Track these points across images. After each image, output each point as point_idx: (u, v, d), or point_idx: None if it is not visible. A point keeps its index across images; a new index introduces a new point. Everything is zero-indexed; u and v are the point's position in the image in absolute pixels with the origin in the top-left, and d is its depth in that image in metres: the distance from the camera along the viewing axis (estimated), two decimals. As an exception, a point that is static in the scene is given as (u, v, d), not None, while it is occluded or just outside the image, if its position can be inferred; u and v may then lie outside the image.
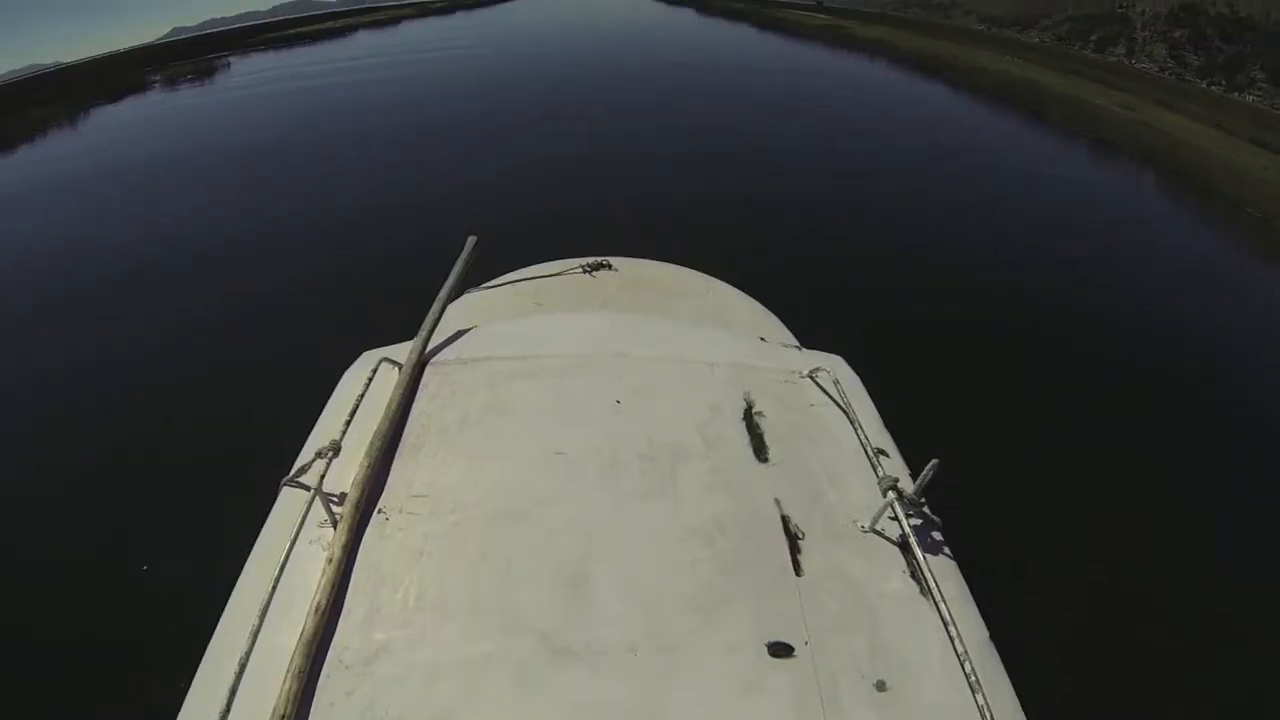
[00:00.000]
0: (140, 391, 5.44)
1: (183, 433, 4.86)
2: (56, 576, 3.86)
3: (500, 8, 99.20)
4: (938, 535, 1.45)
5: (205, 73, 30.70)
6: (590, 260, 2.91)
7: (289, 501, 1.45)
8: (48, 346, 6.39)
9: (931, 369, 5.51)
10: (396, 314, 2.47)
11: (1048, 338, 6.58)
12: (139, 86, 28.46)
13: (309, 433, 1.66)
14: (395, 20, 63.34)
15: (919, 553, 1.34)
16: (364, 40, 42.50)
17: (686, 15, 69.77)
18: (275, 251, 8.16)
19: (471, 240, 2.40)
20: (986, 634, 1.32)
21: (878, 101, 20.45)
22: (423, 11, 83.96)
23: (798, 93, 20.39)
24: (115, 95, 27.34)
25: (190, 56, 50.44)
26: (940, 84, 24.62)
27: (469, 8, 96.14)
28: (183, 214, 9.81)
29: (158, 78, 29.67)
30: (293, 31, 57.19)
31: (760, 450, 1.57)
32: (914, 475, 1.49)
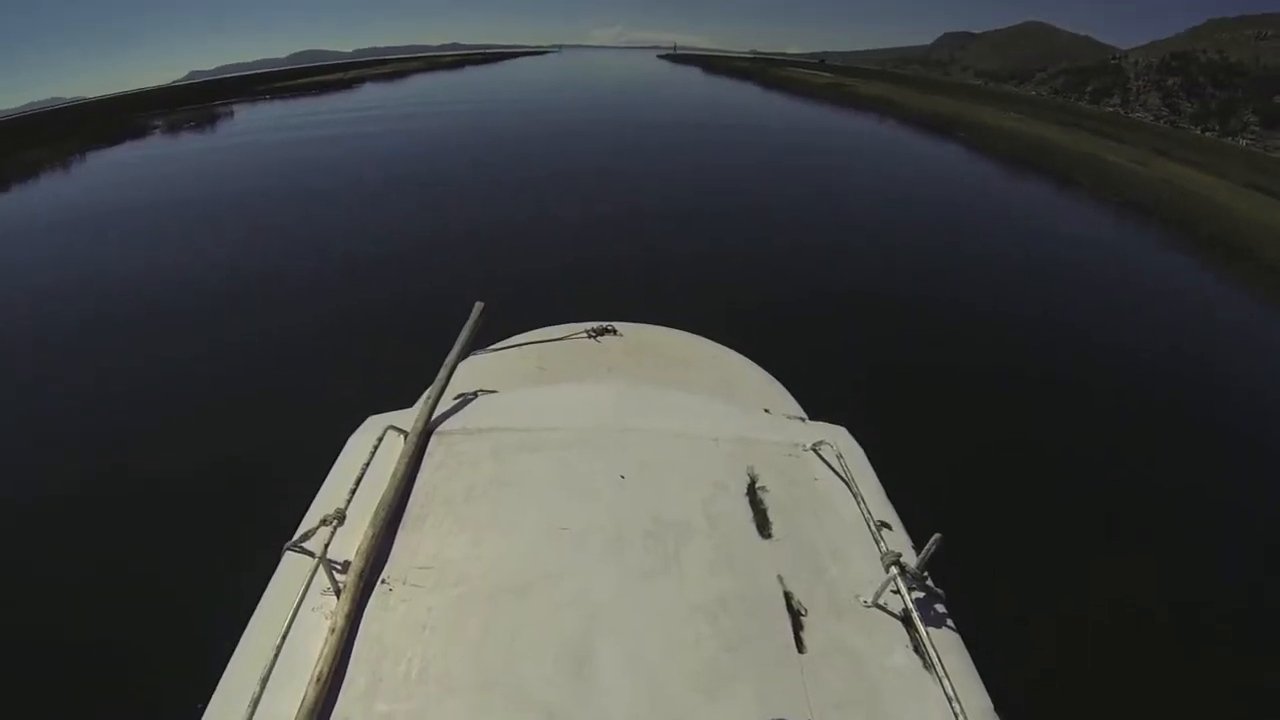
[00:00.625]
0: (141, 446, 5.29)
1: (184, 490, 4.75)
2: (50, 636, 3.77)
3: (508, 64, 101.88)
4: (941, 608, 1.45)
5: (214, 119, 31.00)
6: (595, 325, 2.89)
7: (292, 567, 1.44)
8: (45, 396, 6.20)
9: (937, 432, 5.41)
10: (401, 375, 2.47)
11: (1057, 399, 6.43)
12: (151, 129, 28.89)
13: (313, 496, 1.65)
14: (404, 74, 64.64)
15: (922, 627, 1.34)
16: (373, 93, 43.08)
17: (692, 74, 70.80)
18: (280, 307, 7.95)
19: (478, 306, 2.39)
20: (990, 705, 1.32)
21: (886, 161, 20.19)
22: (432, 65, 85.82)
23: (805, 152, 20.24)
24: (124, 135, 27.74)
25: (204, 100, 51.40)
26: (948, 143, 24.47)
27: (477, 63, 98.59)
28: (186, 263, 9.64)
29: (171, 120, 30.12)
30: (304, 81, 58.56)
31: (764, 526, 1.58)
32: (917, 547, 1.49)
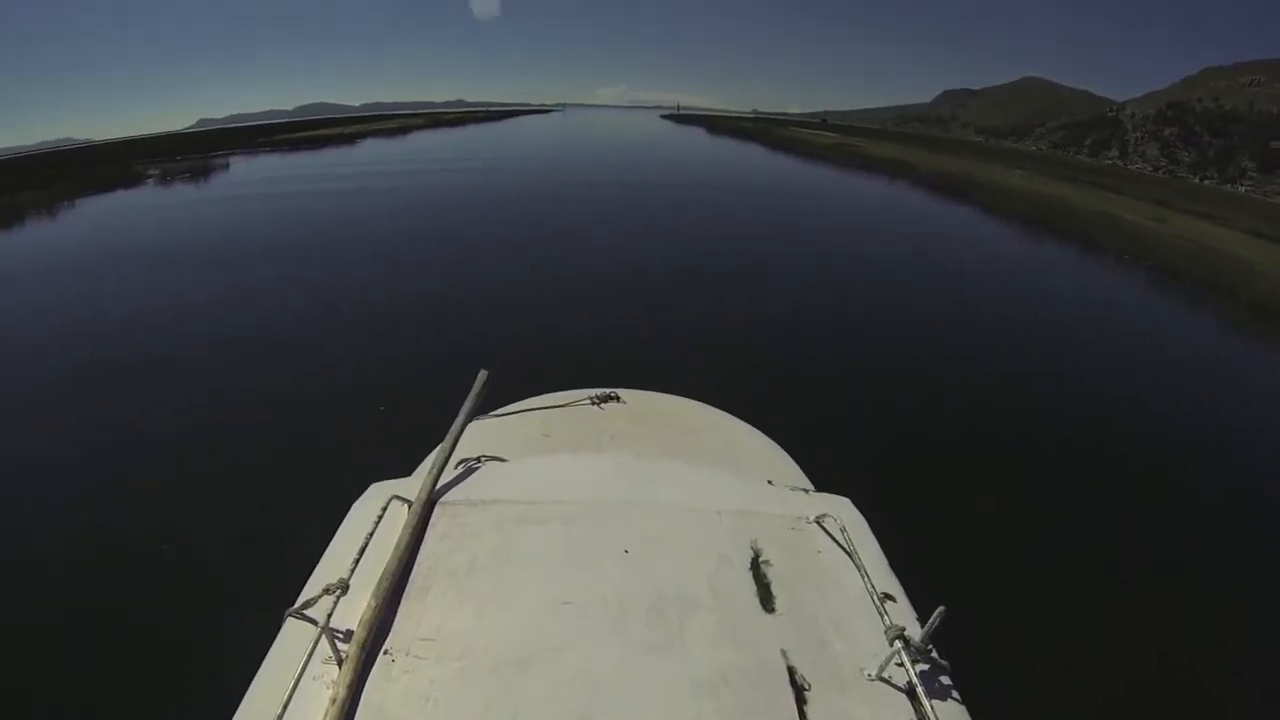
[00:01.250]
0: (141, 506, 5.21)
1: (184, 552, 4.66)
2: (45, 697, 3.72)
3: (511, 122, 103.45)
4: (946, 680, 1.44)
5: (209, 171, 31.23)
6: (598, 392, 2.89)
7: (293, 634, 1.43)
8: (40, 456, 6.02)
9: (942, 500, 5.32)
10: (404, 439, 2.52)
11: (1069, 471, 6.19)
12: (145, 178, 29.17)
13: (315, 563, 1.64)
14: (406, 130, 65.62)
15: (926, 701, 1.34)
16: (373, 149, 43.40)
17: (697, 134, 71.46)
18: (280, 369, 7.80)
19: (483, 375, 2.37)
20: None
21: (900, 225, 19.77)
22: (435, 121, 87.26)
23: (815, 214, 19.91)
24: (127, 181, 28.15)
25: (205, 149, 52.20)
26: (962, 205, 24.11)
27: (480, 120, 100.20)
28: (182, 322, 9.48)
29: (166, 170, 30.33)
30: (304, 134, 59.27)
31: (767, 600, 1.58)
32: (922, 619, 1.51)
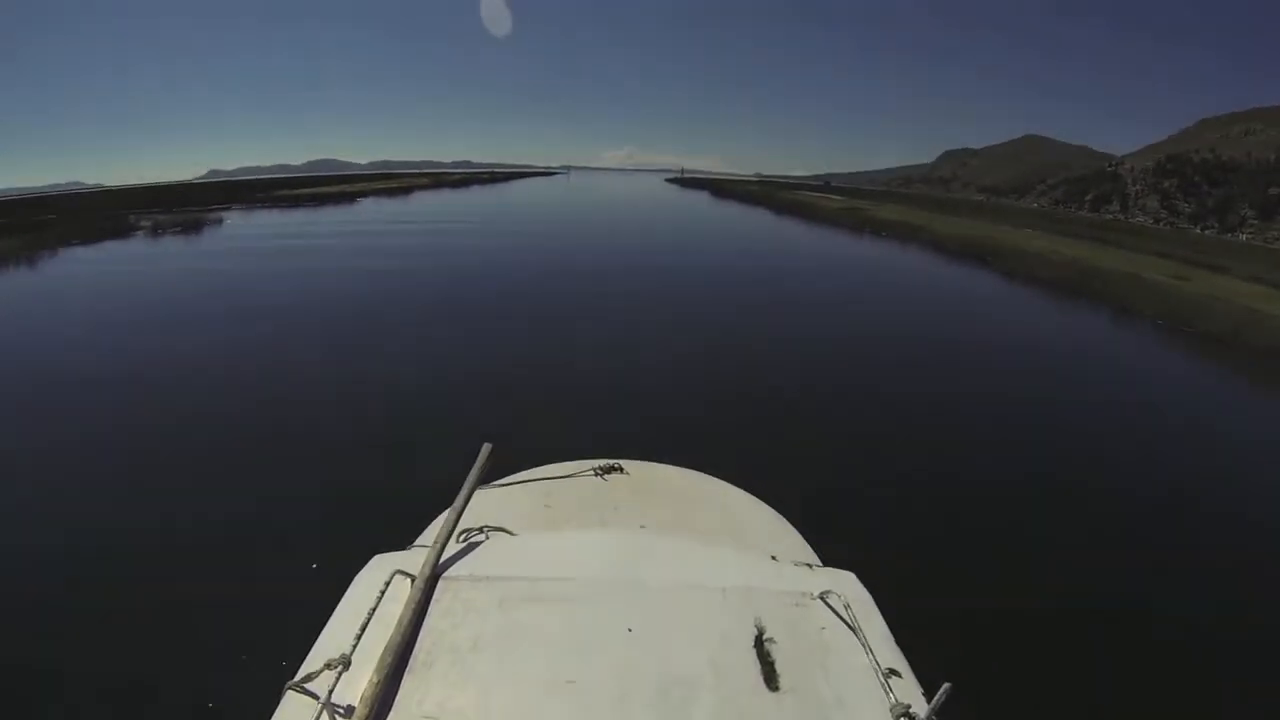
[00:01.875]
0: (138, 569, 5.12)
1: (183, 618, 4.54)
2: None
3: (516, 184, 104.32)
4: None
5: (212, 224, 31.00)
6: (602, 463, 2.83)
7: (293, 708, 1.43)
8: (28, 531, 5.73)
9: (947, 574, 5.25)
10: (407, 509, 2.53)
11: (1082, 551, 5.89)
12: (148, 227, 29.11)
13: (316, 635, 1.64)
14: (409, 189, 66.07)
15: None
16: (372, 209, 43.16)
17: (701, 198, 71.90)
18: (287, 433, 7.60)
19: (486, 448, 2.33)
20: None
21: (917, 293, 18.91)
22: (438, 182, 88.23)
23: (825, 280, 19.05)
24: (116, 232, 27.94)
25: (219, 201, 52.47)
26: (982, 270, 23.35)
27: (484, 182, 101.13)
28: (182, 381, 9.27)
29: (168, 220, 30.12)
30: (306, 191, 59.46)
31: (771, 679, 1.57)
32: (927, 695, 1.51)
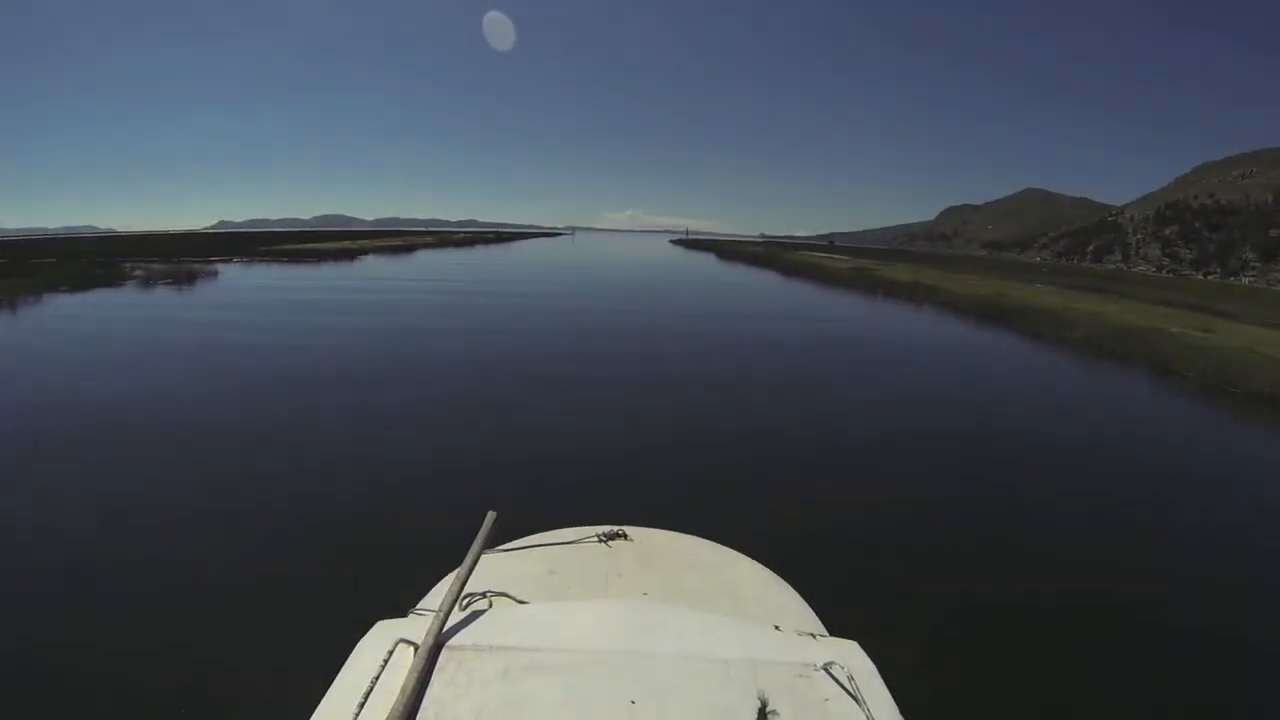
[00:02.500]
0: (120, 631, 4.80)
1: (177, 683, 4.28)
2: None
3: (520, 244, 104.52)
4: None
5: (207, 275, 30.67)
6: (606, 529, 2.85)
7: None
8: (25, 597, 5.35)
9: (955, 644, 4.92)
10: (410, 575, 2.58)
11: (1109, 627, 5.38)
12: (140, 276, 28.79)
13: (317, 702, 1.64)
14: (412, 248, 66.28)
15: None
16: (375, 267, 43.03)
17: (708, 260, 72.03)
18: (288, 491, 7.28)
19: (491, 516, 2.37)
20: None
21: (937, 356, 18.09)
22: (443, 241, 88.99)
23: (844, 347, 18.17)
24: (107, 280, 27.79)
25: (219, 253, 52.00)
26: (1003, 330, 22.62)
27: (488, 242, 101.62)
28: (179, 434, 8.94)
29: (162, 270, 29.89)
30: (309, 246, 60.32)
31: None
32: None
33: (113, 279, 29.22)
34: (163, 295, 24.77)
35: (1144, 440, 10.94)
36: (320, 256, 48.16)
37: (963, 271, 58.03)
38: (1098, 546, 6.66)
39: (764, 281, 39.56)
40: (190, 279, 29.54)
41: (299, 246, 58.46)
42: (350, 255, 51.35)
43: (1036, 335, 20.60)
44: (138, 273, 31.04)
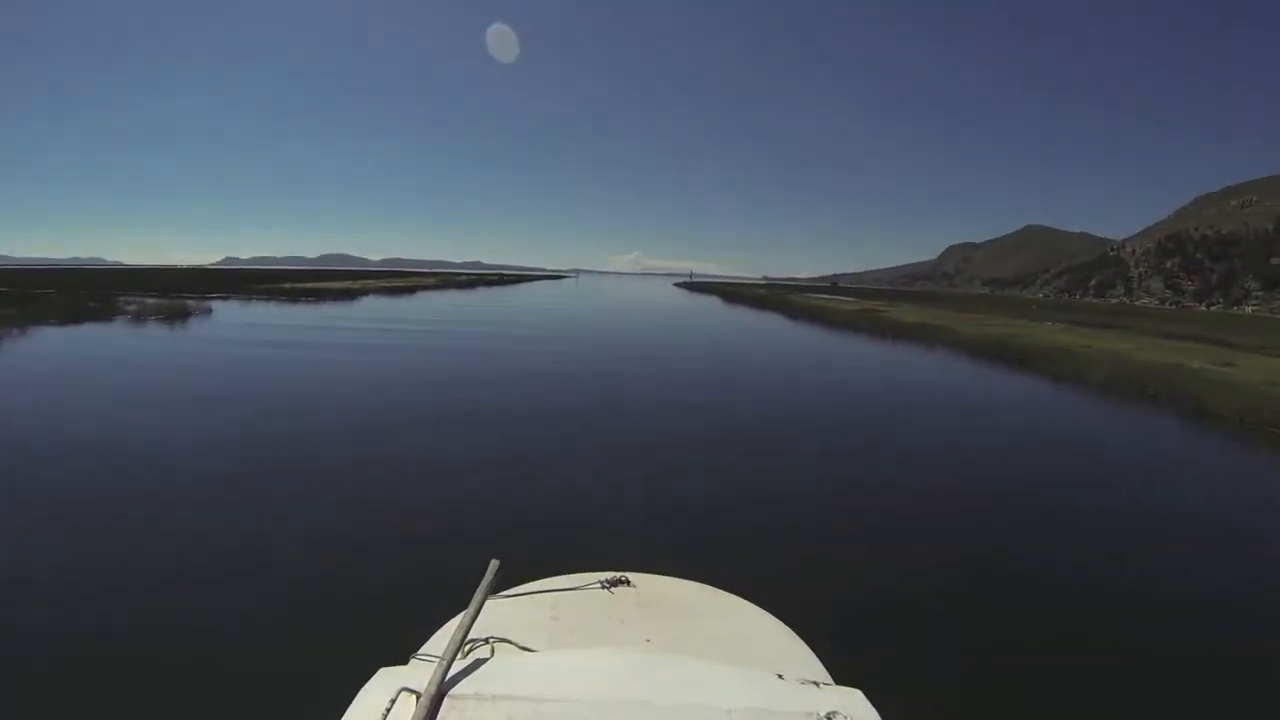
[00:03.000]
0: (116, 674, 4.60)
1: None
2: None
3: (524, 286, 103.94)
4: None
5: (201, 312, 30.35)
6: (609, 576, 2.81)
7: None
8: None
9: (963, 698, 4.66)
10: (413, 620, 2.60)
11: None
12: (134, 310, 28.61)
13: None
14: (413, 289, 66.01)
15: None
16: (374, 307, 42.70)
17: (713, 303, 71.84)
18: (288, 535, 7.04)
19: (494, 565, 2.35)
20: None
21: (957, 403, 17.46)
22: (445, 283, 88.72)
23: (857, 391, 17.61)
24: (99, 314, 27.69)
25: (229, 287, 52.26)
26: (1024, 373, 22.05)
27: (491, 284, 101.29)
28: (176, 476, 8.68)
29: (155, 305, 29.60)
30: (309, 285, 60.17)
31: None
32: None
33: (105, 313, 29.07)
34: (151, 332, 24.54)
35: (1209, 495, 10.04)
36: (319, 296, 47.98)
37: (967, 310, 57.73)
38: (1176, 614, 5.98)
39: (769, 325, 39.16)
40: (183, 315, 29.30)
41: (298, 285, 58.67)
42: (351, 295, 51.31)
43: (1058, 377, 20.02)
44: (131, 307, 30.95)
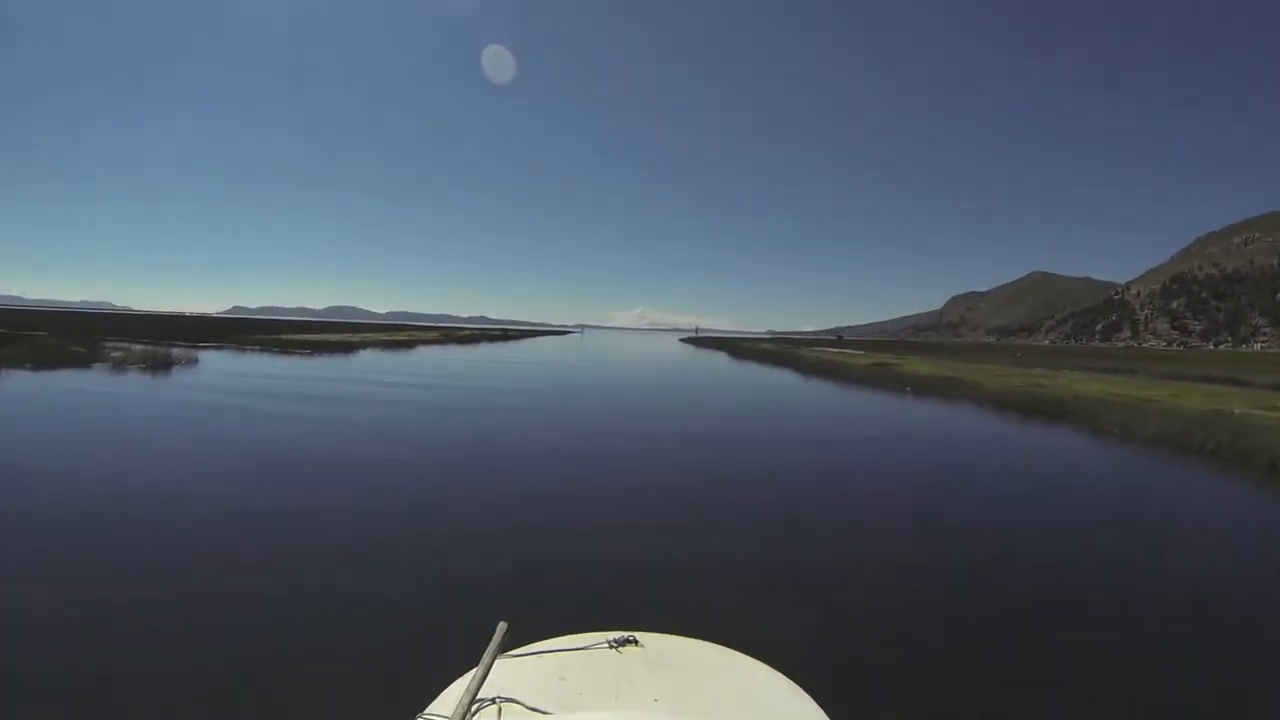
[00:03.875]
0: None
1: None
2: None
3: (526, 342, 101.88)
4: None
5: (186, 362, 29.48)
6: (616, 635, 2.76)
7: None
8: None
9: None
10: (421, 682, 2.54)
11: None
12: (119, 356, 28.16)
13: None
14: (412, 344, 65.16)
15: None
16: (369, 361, 41.81)
17: (720, 358, 70.75)
18: (290, 595, 6.47)
19: (502, 626, 2.41)
20: None
21: (1006, 466, 15.99)
22: (446, 338, 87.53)
23: (891, 453, 16.17)
24: (80, 359, 27.51)
25: (210, 339, 51.49)
26: (1060, 429, 20.96)
27: (493, 340, 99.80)
28: (179, 532, 8.20)
29: (140, 354, 28.92)
30: (311, 337, 59.71)
31: None
32: None
33: (86, 359, 28.37)
34: (127, 381, 23.76)
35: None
36: (314, 349, 47.32)
37: (975, 360, 56.66)
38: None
39: (783, 381, 37.96)
40: (166, 365, 28.43)
41: (298, 337, 58.68)
42: (347, 349, 50.78)
43: (1105, 432, 18.71)
44: (115, 354, 30.16)
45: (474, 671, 2.09)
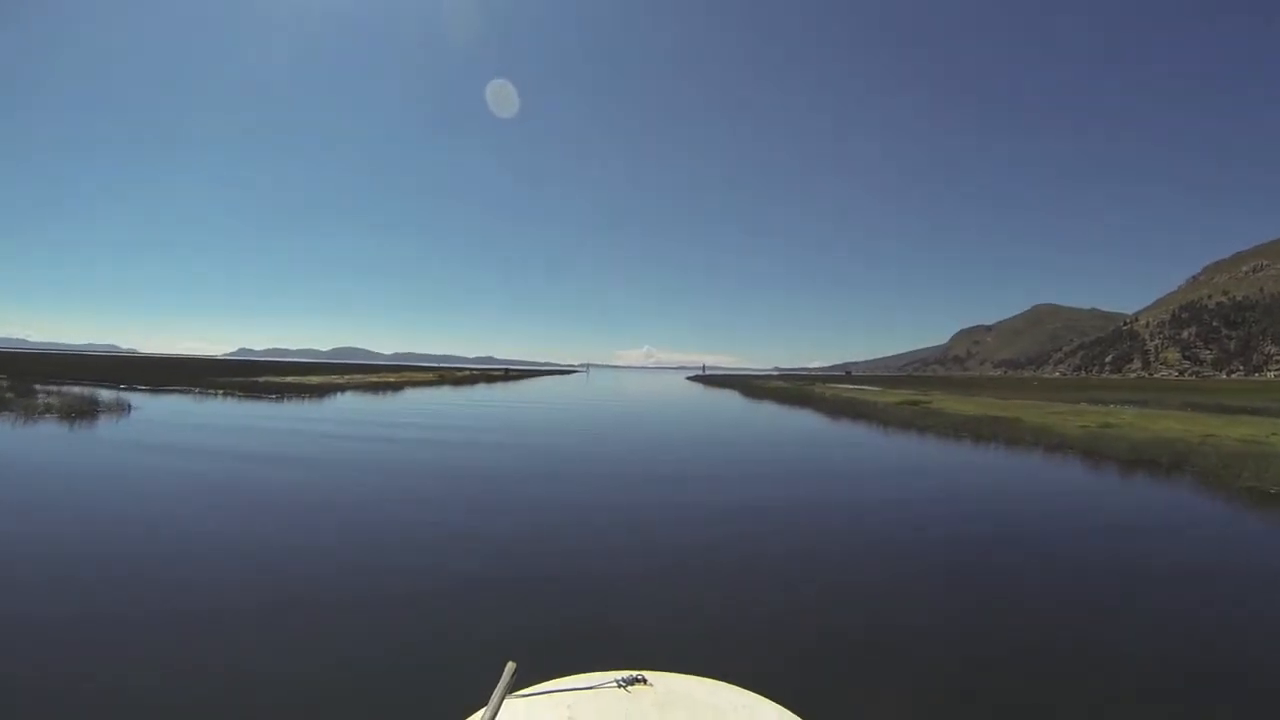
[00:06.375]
0: None
1: None
2: None
3: (528, 383, 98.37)
4: None
5: (116, 410, 26.99)
6: (625, 675, 2.79)
7: None
8: None
9: None
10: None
11: None
12: (50, 403, 26.48)
13: None
14: (400, 386, 62.21)
15: None
16: (346, 405, 39.01)
17: (733, 397, 67.12)
18: (297, 642, 6.14)
19: (511, 667, 2.40)
20: None
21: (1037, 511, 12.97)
22: (441, 379, 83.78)
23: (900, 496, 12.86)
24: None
25: (192, 380, 50.03)
26: (1170, 482, 17.78)
27: (491, 380, 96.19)
28: (182, 578, 7.80)
29: (72, 400, 26.97)
30: (287, 379, 58.54)
31: None
32: None
33: (3, 404, 25.68)
34: (19, 433, 20.77)
35: None
36: (283, 392, 43.97)
37: (1005, 394, 53.24)
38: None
39: (812, 426, 33.83)
40: (90, 413, 25.13)
41: (279, 379, 56.05)
42: (325, 391, 47.50)
43: (1258, 490, 14.85)
44: (43, 398, 27.38)
45: (482, 712, 2.10)
